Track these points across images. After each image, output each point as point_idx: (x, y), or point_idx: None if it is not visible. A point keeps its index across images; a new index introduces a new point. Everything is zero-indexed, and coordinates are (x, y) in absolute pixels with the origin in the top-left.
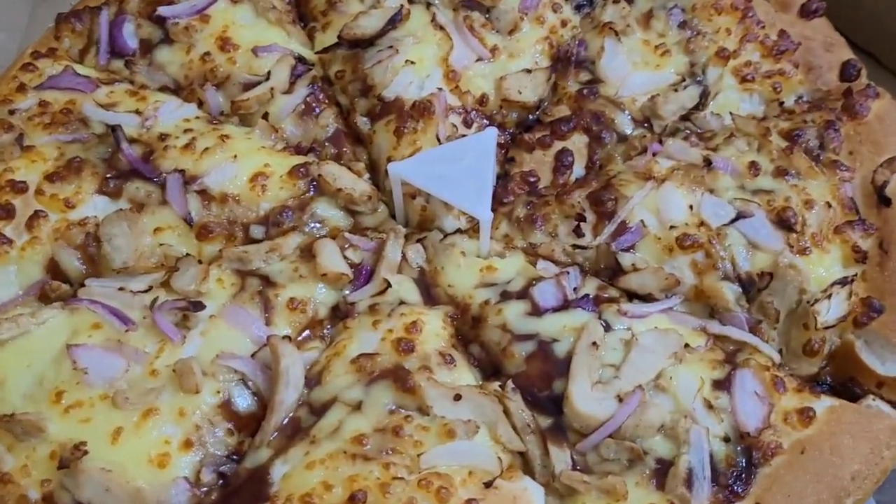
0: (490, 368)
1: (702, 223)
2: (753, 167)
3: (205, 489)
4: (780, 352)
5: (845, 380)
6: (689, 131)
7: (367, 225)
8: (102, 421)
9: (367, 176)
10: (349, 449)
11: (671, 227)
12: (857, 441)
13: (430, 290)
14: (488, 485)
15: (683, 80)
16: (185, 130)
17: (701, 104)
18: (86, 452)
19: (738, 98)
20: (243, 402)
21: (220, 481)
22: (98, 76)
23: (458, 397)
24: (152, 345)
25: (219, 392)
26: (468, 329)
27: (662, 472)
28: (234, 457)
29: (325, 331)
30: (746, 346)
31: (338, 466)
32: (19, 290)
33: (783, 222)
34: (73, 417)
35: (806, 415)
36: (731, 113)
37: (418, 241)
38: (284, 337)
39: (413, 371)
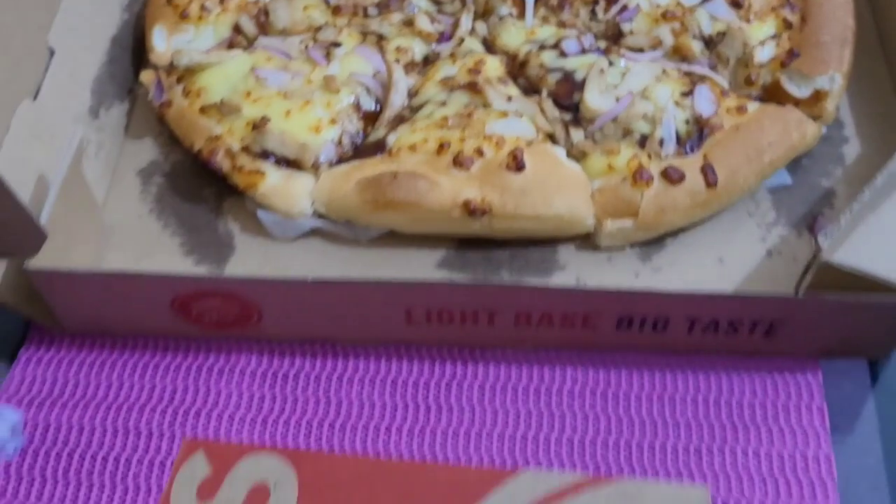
0: (531, 92)
1: (678, 3)
2: None
3: (344, 149)
4: (729, 84)
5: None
6: None
7: (447, 11)
8: (278, 106)
9: None
10: (438, 124)
11: (657, 6)
12: (775, 124)
13: (490, 49)
14: (529, 143)
15: None
16: None
17: None
18: (269, 120)
19: None
20: (367, 103)
21: (353, 145)
22: None
23: (509, 98)
24: (307, 67)
25: (352, 94)
26: (517, 70)
27: (643, 140)
28: (361, 134)
29: (420, 71)
30: (706, 78)
31: (431, 131)
32: (214, 43)
33: (736, 3)
34: (259, 104)
35: (742, 109)
36: None
37: (482, 21)
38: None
39: (480, 82)
